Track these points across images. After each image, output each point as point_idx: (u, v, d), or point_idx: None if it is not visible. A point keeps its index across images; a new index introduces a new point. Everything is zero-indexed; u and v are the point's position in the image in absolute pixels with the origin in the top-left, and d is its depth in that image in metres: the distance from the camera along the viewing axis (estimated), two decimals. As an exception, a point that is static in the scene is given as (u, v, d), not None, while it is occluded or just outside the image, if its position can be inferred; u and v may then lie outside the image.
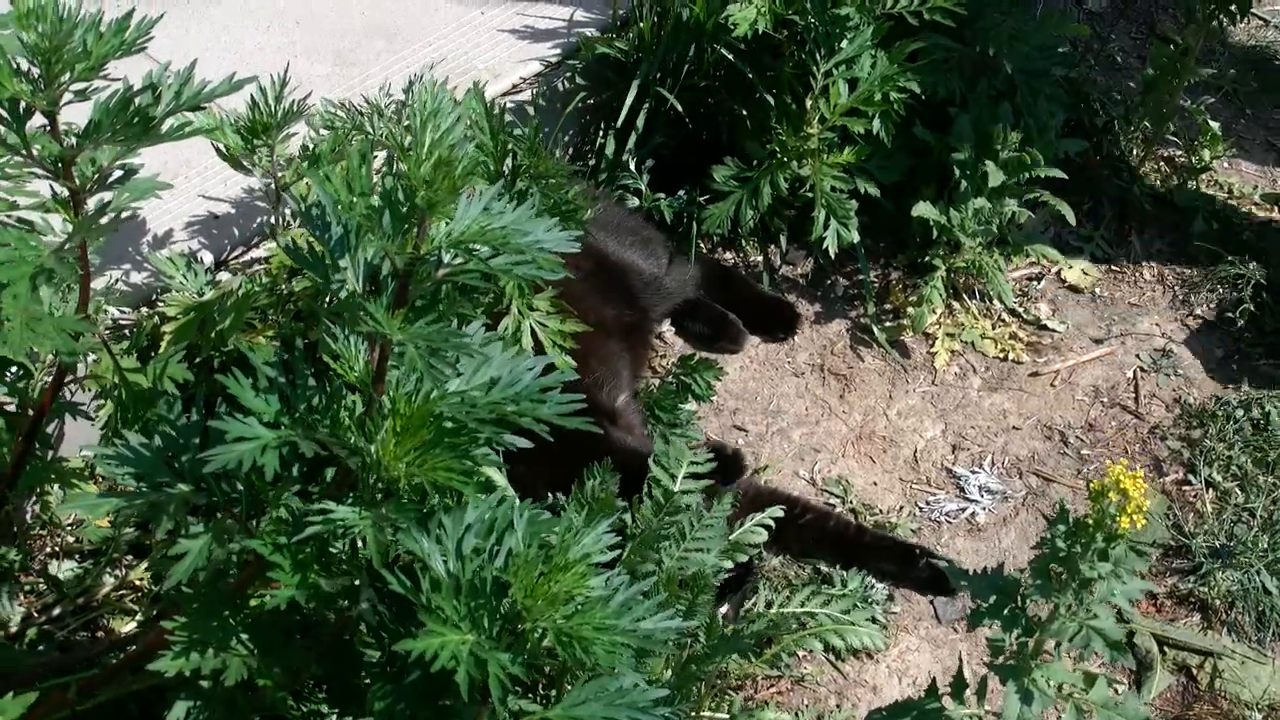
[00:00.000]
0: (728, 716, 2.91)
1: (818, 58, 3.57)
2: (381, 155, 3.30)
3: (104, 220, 2.39)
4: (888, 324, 3.85)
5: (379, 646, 2.29)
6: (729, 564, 2.87)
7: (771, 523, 2.95)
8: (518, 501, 2.31)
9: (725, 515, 2.77)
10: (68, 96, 2.30)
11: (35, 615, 3.12)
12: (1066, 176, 3.80)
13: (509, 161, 2.83)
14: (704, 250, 3.90)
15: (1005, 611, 2.28)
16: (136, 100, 2.34)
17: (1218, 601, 3.34)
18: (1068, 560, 2.20)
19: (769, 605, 3.04)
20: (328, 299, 2.24)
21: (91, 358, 2.80)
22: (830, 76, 3.58)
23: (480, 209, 2.23)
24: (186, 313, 3.06)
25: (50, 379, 2.63)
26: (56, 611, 3.11)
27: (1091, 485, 2.15)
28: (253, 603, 2.30)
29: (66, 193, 2.37)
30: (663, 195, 3.83)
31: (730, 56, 3.72)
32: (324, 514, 2.15)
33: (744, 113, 3.78)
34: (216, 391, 2.22)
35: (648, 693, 2.20)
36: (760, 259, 3.98)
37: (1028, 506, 3.55)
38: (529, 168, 2.81)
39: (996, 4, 3.65)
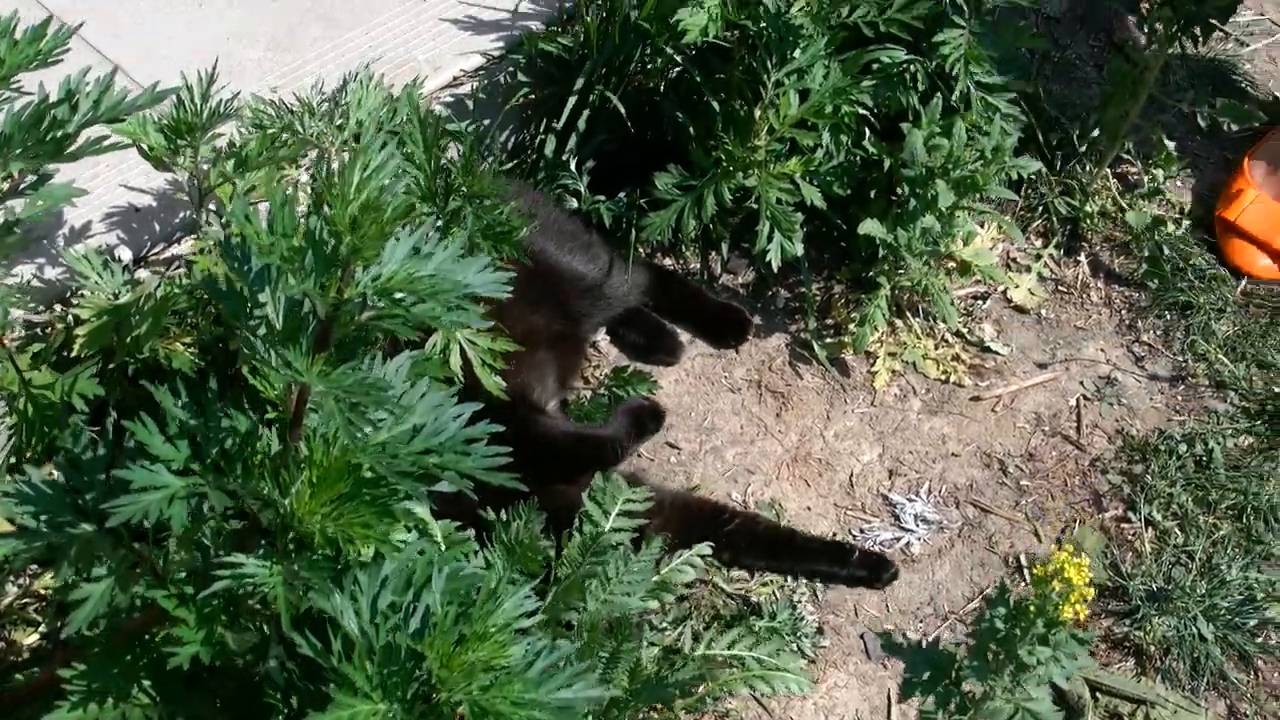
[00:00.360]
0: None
1: (769, 66, 3.45)
2: (313, 154, 3.17)
3: (9, 239, 2.26)
4: (829, 340, 3.76)
5: (286, 706, 2.18)
6: (654, 603, 2.78)
7: (700, 560, 2.86)
8: (440, 550, 2.21)
9: (654, 558, 2.67)
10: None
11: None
12: (1017, 198, 3.71)
13: (440, 180, 2.70)
14: (643, 255, 3.79)
15: (939, 688, 2.20)
16: (53, 113, 2.22)
17: (1153, 647, 3.27)
18: (1006, 642, 2.13)
19: (696, 641, 2.94)
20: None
21: (-1, 366, 2.67)
22: (781, 86, 3.47)
23: (408, 249, 2.12)
24: (100, 315, 2.92)
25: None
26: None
27: (1035, 570, 2.07)
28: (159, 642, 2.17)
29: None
30: (603, 198, 3.71)
31: (678, 59, 3.60)
32: (233, 567, 2.04)
33: (689, 119, 3.66)
34: (129, 404, 2.12)
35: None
36: (700, 266, 3.87)
37: (964, 538, 3.47)
38: (463, 186, 2.69)
39: (954, 15, 3.54)
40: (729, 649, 2.89)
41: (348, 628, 2.02)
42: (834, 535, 3.44)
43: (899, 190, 3.64)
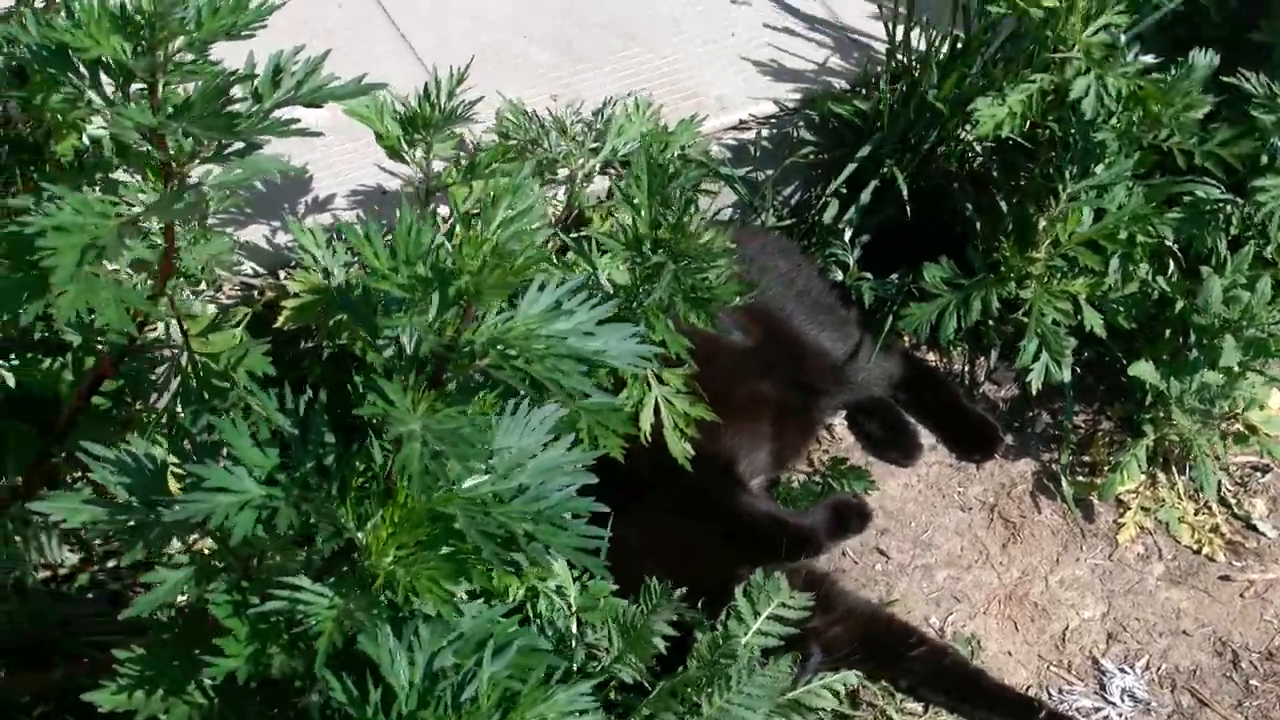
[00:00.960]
0: None
1: (1066, 176, 3.19)
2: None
3: (181, 204, 2.19)
4: (1080, 479, 3.46)
5: (326, 746, 2.06)
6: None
7: (842, 688, 2.63)
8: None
9: (783, 675, 2.46)
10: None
11: (93, 561, 2.99)
12: (1312, 371, 3.35)
13: (653, 230, 2.54)
14: (904, 345, 3.55)
15: None
16: (234, 90, 2.15)
17: None
18: None
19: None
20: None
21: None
22: (1075, 200, 3.20)
23: (549, 302, 1.98)
24: (311, 292, 2.86)
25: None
26: (114, 563, 2.97)
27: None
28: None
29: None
30: (869, 275, 3.50)
31: (976, 148, 3.37)
32: (291, 589, 1.93)
33: (976, 213, 3.42)
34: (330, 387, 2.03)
35: None
36: (964, 369, 3.61)
37: (1168, 727, 3.15)
38: (671, 243, 2.52)
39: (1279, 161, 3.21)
40: None
41: (392, 680, 1.89)
42: (1028, 689, 3.16)
43: (1188, 338, 3.33)
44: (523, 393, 2.10)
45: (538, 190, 1.94)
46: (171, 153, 2.20)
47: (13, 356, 2.57)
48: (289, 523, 1.90)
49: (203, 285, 2.92)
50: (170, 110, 2.13)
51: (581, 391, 1.93)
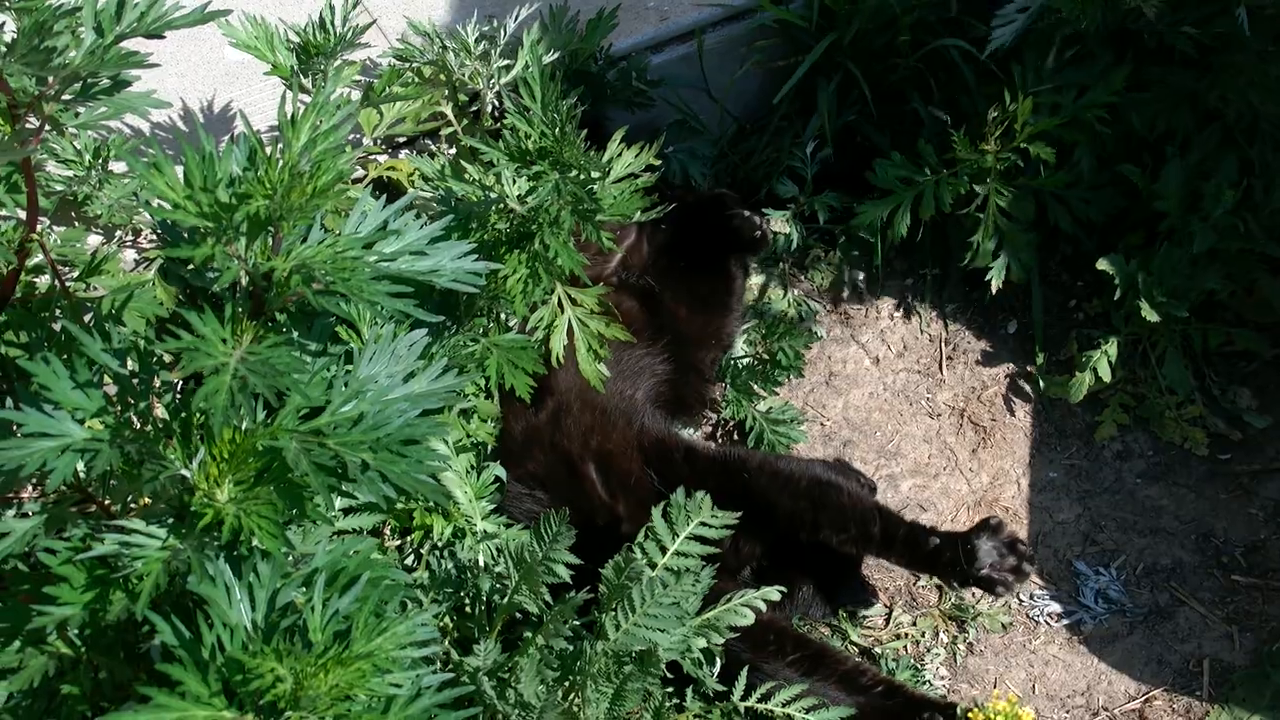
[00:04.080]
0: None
1: (1024, 63, 3.07)
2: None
3: (19, 145, 2.15)
4: (1054, 379, 3.33)
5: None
6: (702, 641, 2.49)
7: (763, 604, 2.55)
8: (371, 548, 2.02)
9: (692, 594, 2.38)
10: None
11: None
12: (1287, 255, 3.19)
13: (533, 140, 2.45)
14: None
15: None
16: (56, 24, 2.10)
17: (1325, 802, 2.79)
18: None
19: (750, 692, 2.64)
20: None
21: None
22: (1034, 91, 3.08)
23: (376, 223, 1.92)
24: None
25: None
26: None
27: (972, 715, 1.71)
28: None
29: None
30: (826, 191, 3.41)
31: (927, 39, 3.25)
32: (122, 532, 1.89)
33: (926, 109, 3.30)
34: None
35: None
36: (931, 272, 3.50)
37: (1146, 627, 3.03)
38: (556, 153, 2.44)
39: (1250, 44, 3.04)
40: (784, 707, 2.58)
41: (226, 619, 1.84)
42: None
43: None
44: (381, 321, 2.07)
45: (350, 108, 1.86)
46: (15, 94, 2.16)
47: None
48: (108, 464, 1.85)
49: (118, 234, 2.88)
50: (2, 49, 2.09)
51: (403, 313, 1.86)
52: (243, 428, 1.87)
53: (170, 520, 1.93)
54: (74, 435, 1.87)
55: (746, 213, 3.20)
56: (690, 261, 3.17)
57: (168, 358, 1.96)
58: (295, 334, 1.92)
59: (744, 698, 2.61)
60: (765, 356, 3.21)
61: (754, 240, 3.18)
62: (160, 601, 1.90)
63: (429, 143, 3.04)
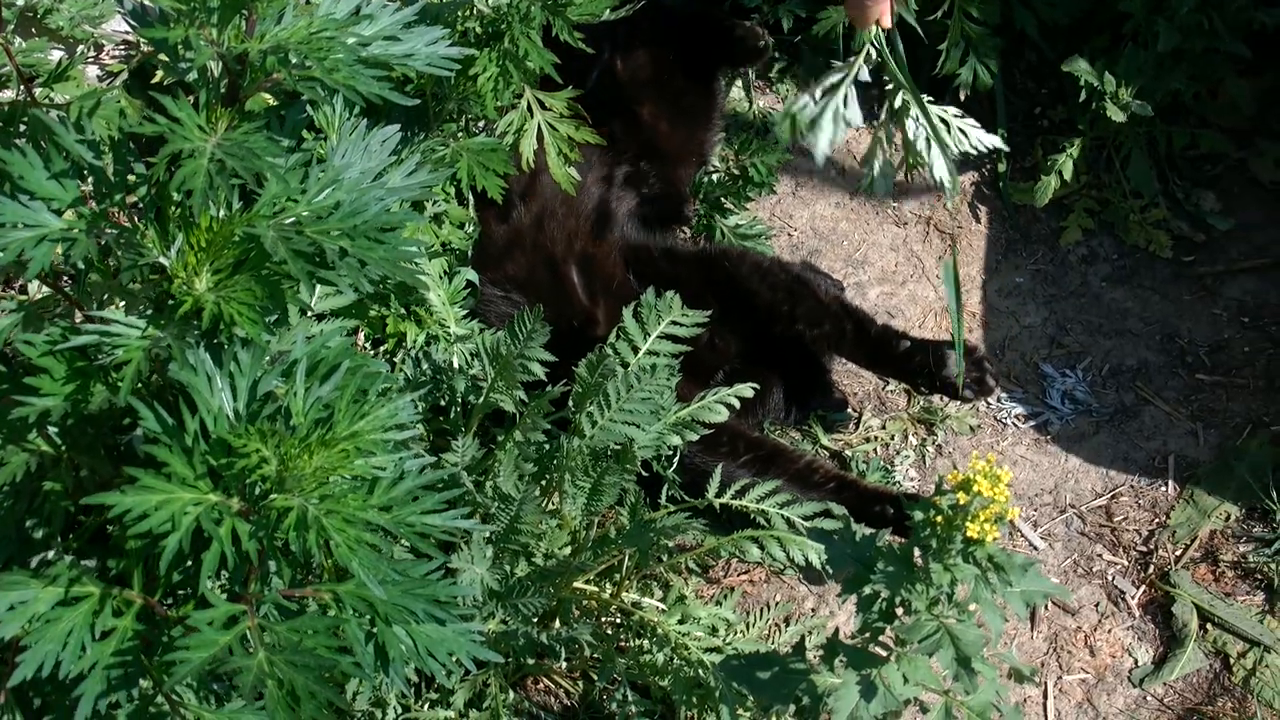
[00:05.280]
0: (655, 602, 2.60)
1: None
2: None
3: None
4: (1019, 185, 3.35)
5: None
6: (676, 439, 2.52)
7: (736, 401, 2.57)
8: (348, 341, 2.02)
9: (665, 387, 2.40)
10: None
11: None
12: (1250, 54, 3.18)
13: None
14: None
15: (865, 591, 1.90)
16: None
17: (1287, 586, 2.85)
18: (934, 552, 1.81)
19: (725, 488, 2.66)
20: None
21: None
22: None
23: (349, 9, 1.90)
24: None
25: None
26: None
27: (950, 476, 1.74)
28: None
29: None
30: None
31: None
32: (102, 322, 1.89)
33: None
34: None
35: (452, 587, 1.91)
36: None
37: (1112, 426, 3.08)
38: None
39: None
40: (758, 503, 2.61)
41: (210, 405, 1.85)
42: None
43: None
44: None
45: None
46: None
47: None
48: (85, 252, 1.84)
49: (80, 48, 2.85)
50: None
51: (381, 97, 1.85)
52: (220, 215, 1.86)
53: (149, 312, 1.94)
54: (50, 225, 1.86)
55: (749, 22, 3.18)
56: (672, 73, 3.14)
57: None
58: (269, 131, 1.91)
59: (718, 495, 2.64)
60: (735, 171, 3.20)
61: (757, 49, 3.16)
62: (141, 394, 1.90)
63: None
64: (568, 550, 2.46)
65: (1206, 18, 3.09)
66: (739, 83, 3.41)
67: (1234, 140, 3.35)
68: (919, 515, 1.77)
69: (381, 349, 2.74)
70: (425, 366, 2.54)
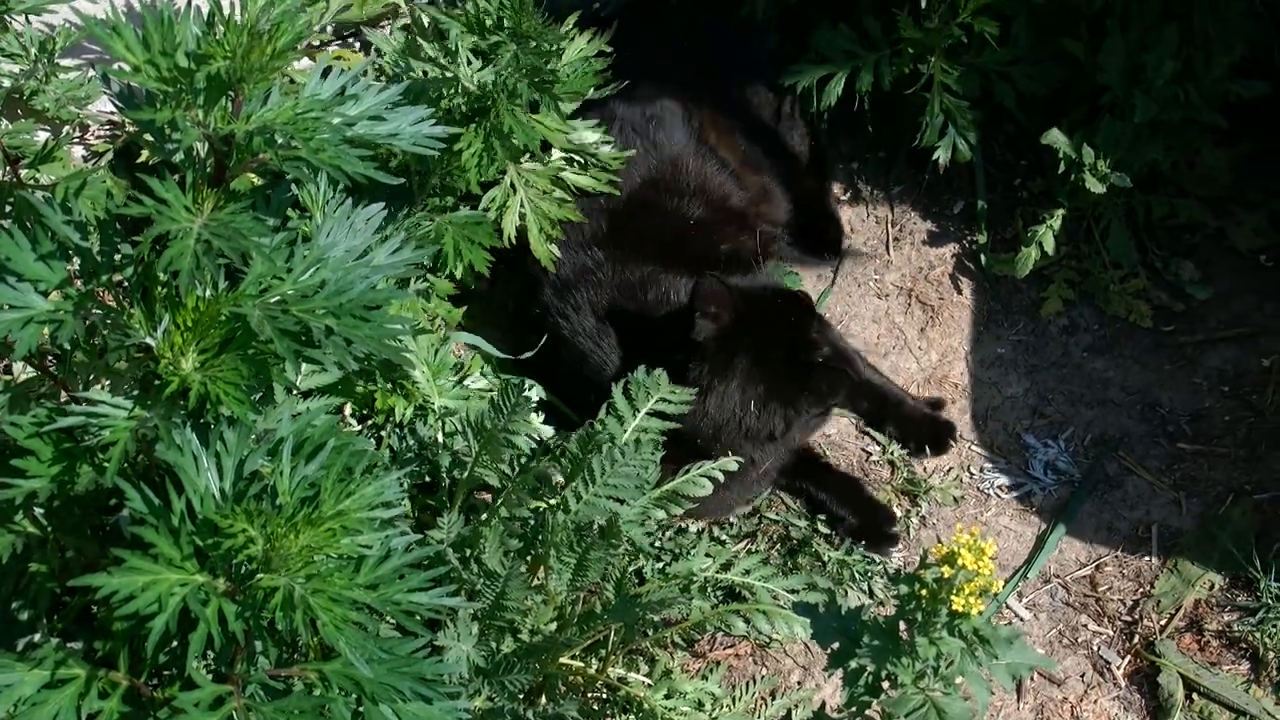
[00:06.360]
0: (642, 677, 2.59)
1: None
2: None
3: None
4: (1000, 256, 3.37)
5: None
6: (660, 513, 2.52)
7: (720, 475, 2.58)
8: (334, 420, 2.02)
9: (651, 464, 2.41)
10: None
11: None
12: (1226, 124, 3.21)
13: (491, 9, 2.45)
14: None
15: (851, 664, 1.90)
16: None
17: (1271, 654, 2.85)
18: (920, 625, 1.82)
19: (709, 560, 2.67)
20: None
21: None
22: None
23: (334, 89, 1.92)
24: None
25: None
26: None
27: (935, 549, 1.75)
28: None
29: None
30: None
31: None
32: (89, 403, 1.89)
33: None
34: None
35: (438, 665, 1.90)
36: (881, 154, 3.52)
37: (1095, 496, 3.09)
38: (513, 23, 2.44)
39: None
40: (745, 575, 2.62)
41: (196, 485, 1.85)
42: (948, 471, 3.10)
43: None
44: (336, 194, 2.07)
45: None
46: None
47: None
48: (72, 334, 1.85)
49: (65, 129, 2.86)
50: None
51: (366, 176, 1.87)
52: (206, 295, 1.87)
53: (135, 392, 1.94)
54: (37, 306, 1.87)
55: None
56: None
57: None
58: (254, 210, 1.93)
59: (705, 569, 2.64)
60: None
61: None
62: (128, 474, 1.90)
63: (377, 31, 3.03)
64: (553, 626, 2.45)
65: (1183, 89, 3.13)
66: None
67: (1212, 209, 3.38)
68: (904, 589, 1.77)
69: (367, 423, 2.74)
70: (411, 441, 2.54)
